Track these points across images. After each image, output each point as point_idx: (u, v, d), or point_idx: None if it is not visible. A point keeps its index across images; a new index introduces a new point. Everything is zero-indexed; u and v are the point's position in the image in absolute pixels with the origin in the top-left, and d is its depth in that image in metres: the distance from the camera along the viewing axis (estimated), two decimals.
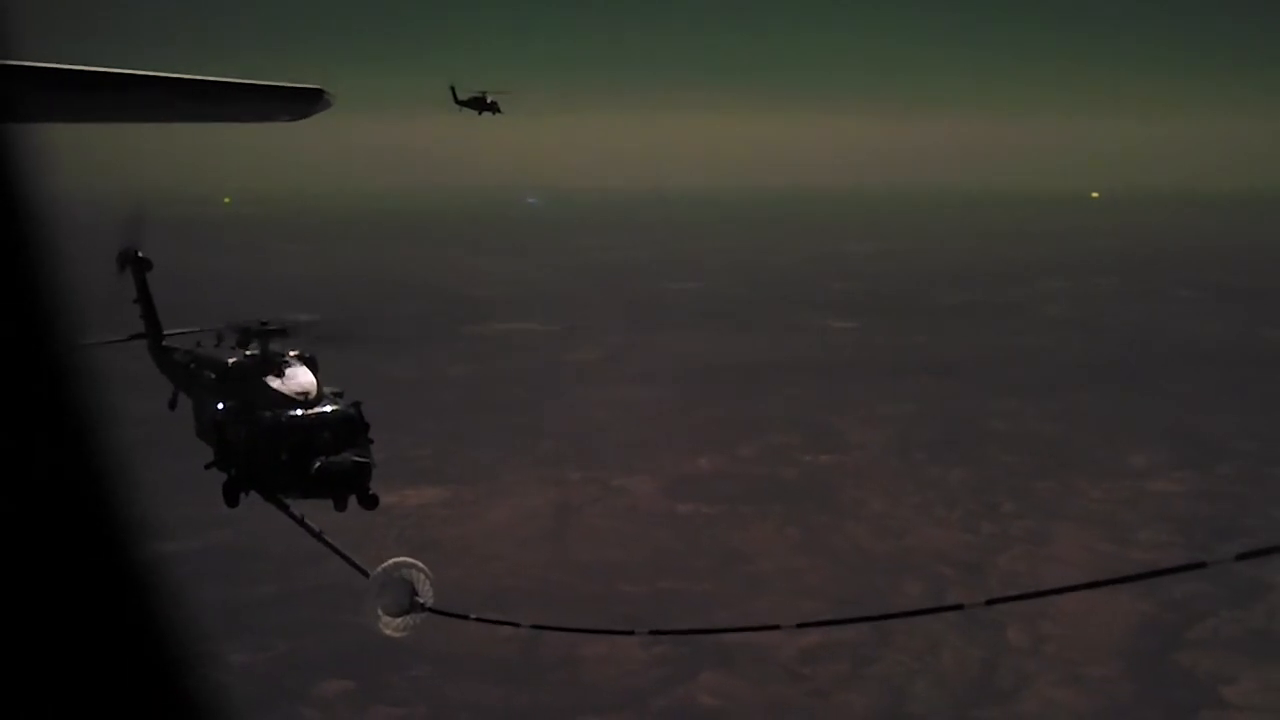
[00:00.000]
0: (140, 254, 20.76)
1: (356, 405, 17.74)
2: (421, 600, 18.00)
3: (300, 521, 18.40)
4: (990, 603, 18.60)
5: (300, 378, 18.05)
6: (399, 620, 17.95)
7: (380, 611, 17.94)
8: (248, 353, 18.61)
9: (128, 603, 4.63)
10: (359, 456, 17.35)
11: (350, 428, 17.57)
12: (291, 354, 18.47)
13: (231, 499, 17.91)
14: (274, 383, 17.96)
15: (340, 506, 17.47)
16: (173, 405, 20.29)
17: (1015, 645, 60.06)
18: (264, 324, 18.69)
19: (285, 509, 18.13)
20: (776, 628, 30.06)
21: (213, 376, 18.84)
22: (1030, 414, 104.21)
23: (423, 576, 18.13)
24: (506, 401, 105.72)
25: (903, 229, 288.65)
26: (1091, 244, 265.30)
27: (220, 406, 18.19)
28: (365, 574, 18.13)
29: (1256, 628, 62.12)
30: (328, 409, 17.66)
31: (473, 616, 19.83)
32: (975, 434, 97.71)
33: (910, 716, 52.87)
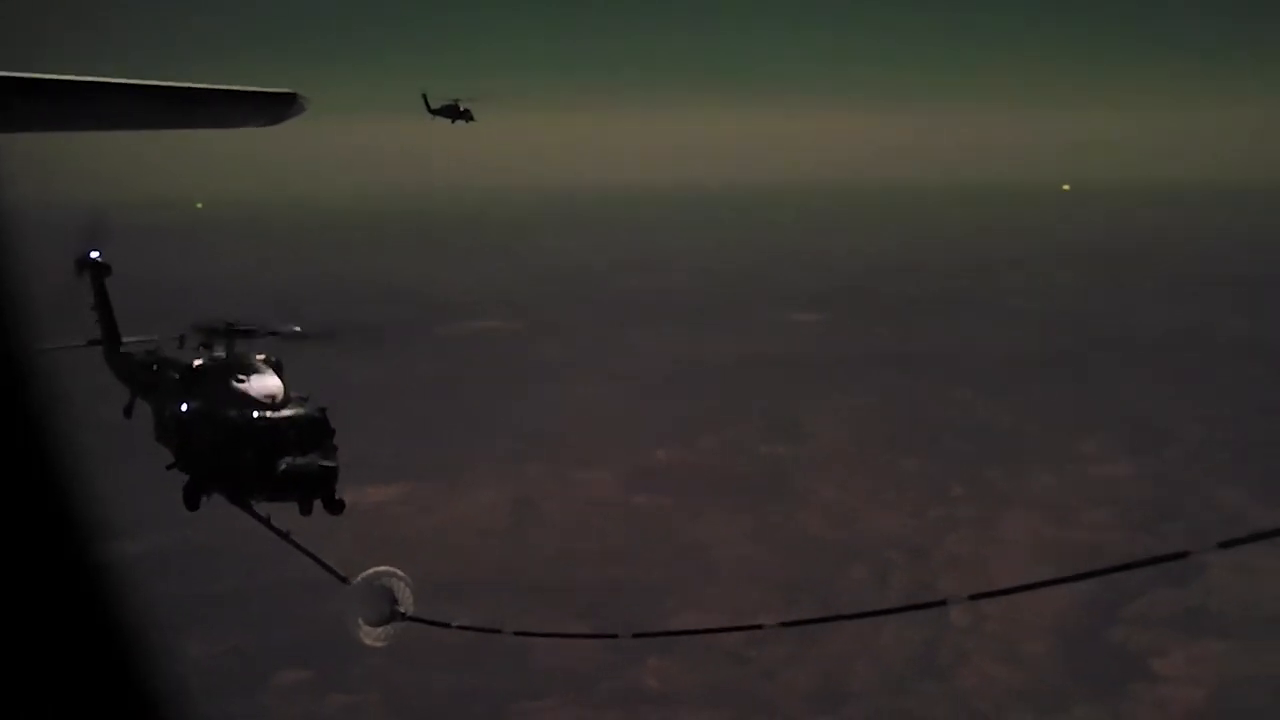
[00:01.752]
0: (99, 259, 20.53)
1: (322, 409, 17.62)
2: (402, 609, 17.96)
3: (266, 523, 18.19)
4: (974, 598, 18.94)
5: (266, 380, 17.85)
6: (380, 629, 17.98)
7: (361, 621, 17.92)
8: (214, 355, 18.47)
9: (87, 599, 4.83)
10: (325, 460, 17.30)
11: (316, 431, 17.48)
12: (258, 357, 18.28)
13: (192, 501, 17.84)
14: (240, 385, 17.75)
15: (305, 510, 17.44)
16: (128, 412, 20.07)
17: (956, 624, 61.83)
18: (230, 325, 18.48)
19: (251, 511, 18.00)
20: (760, 627, 29.52)
21: (176, 377, 18.64)
22: (984, 404, 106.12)
23: (403, 585, 18.09)
24: (470, 399, 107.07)
25: (871, 224, 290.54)
26: (1059, 237, 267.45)
27: (184, 408, 17.98)
28: (342, 578, 18.11)
29: (1191, 605, 64.09)
30: (294, 412, 17.53)
31: (455, 624, 19.88)
32: (930, 424, 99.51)
33: (850, 694, 54.66)
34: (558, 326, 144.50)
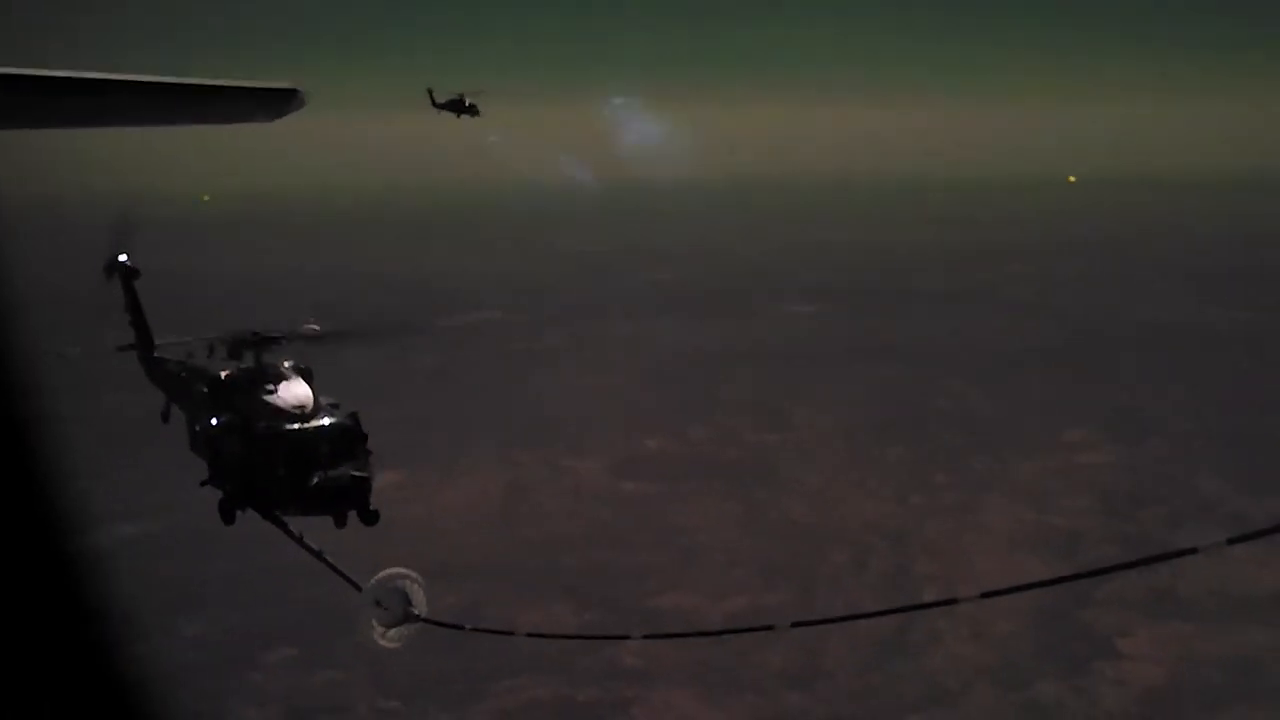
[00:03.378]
0: (128, 262, 20.12)
1: (354, 416, 17.22)
2: (416, 611, 17.83)
3: (299, 541, 17.97)
4: (985, 596, 17.58)
5: (296, 390, 17.46)
6: (393, 631, 17.83)
7: (375, 622, 17.79)
8: (241, 365, 18.09)
9: (81, 582, 5.05)
10: (358, 471, 16.83)
11: (348, 440, 17.00)
12: (286, 364, 17.91)
13: (228, 516, 17.44)
14: (269, 395, 17.36)
15: (340, 523, 17.04)
16: (165, 417, 19.75)
17: (931, 608, 63.48)
18: (256, 334, 18.08)
19: (284, 527, 17.71)
20: (771, 628, 28.75)
21: (205, 390, 18.26)
22: (974, 395, 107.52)
23: (416, 587, 17.95)
24: (467, 389, 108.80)
25: (875, 216, 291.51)
26: (1061, 228, 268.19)
27: (214, 421, 17.62)
28: (356, 586, 18.00)
29: (1160, 587, 65.50)
30: (325, 422, 17.05)
31: (468, 627, 19.88)
32: (918, 414, 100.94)
33: (820, 671, 56.26)
34: (556, 318, 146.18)
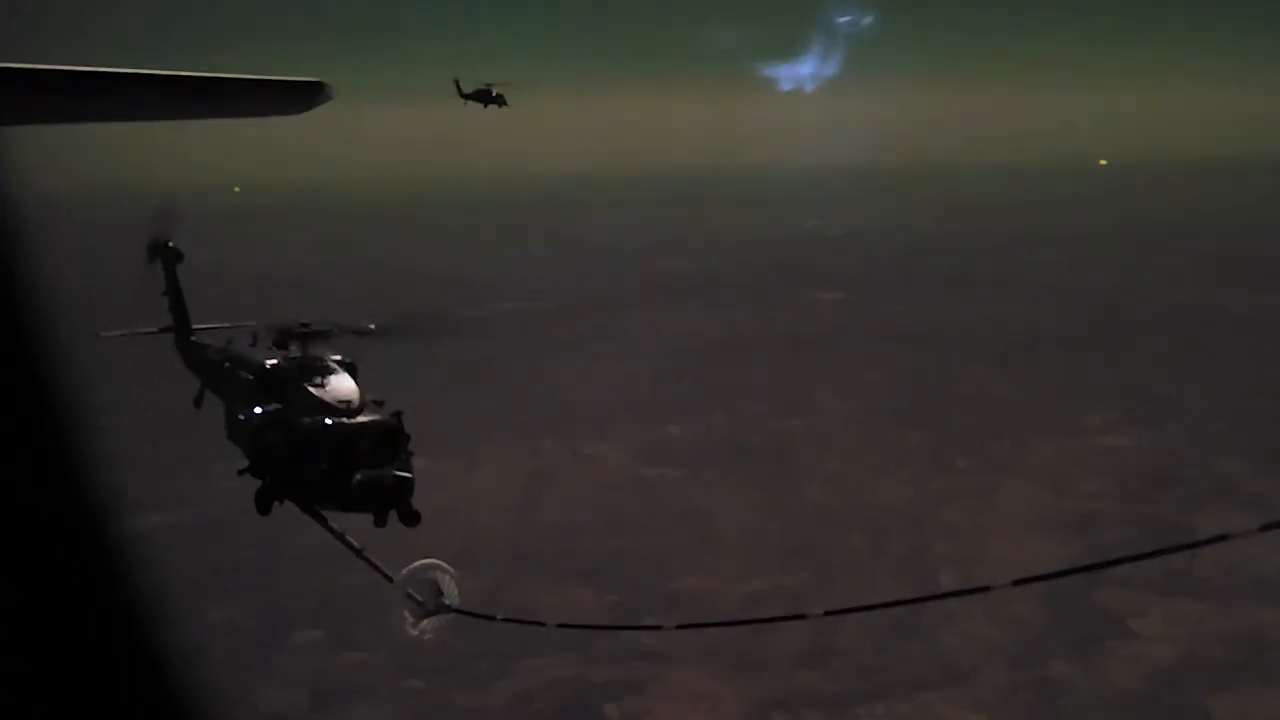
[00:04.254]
0: (171, 244, 20.03)
1: (398, 415, 17.10)
2: (448, 602, 17.84)
3: (338, 535, 17.88)
4: (1018, 583, 17.48)
5: (342, 385, 17.24)
6: (425, 621, 17.88)
7: (406, 613, 17.79)
8: (288, 355, 17.90)
9: (114, 570, 5.12)
10: (401, 471, 16.70)
11: (392, 440, 16.87)
12: (333, 359, 17.71)
13: (264, 507, 17.26)
14: (315, 389, 17.11)
15: (380, 522, 16.85)
16: (198, 403, 19.58)
17: (946, 588, 64.24)
18: (304, 325, 17.84)
19: (323, 521, 17.61)
20: (803, 617, 28.35)
21: (250, 379, 18.04)
22: (995, 379, 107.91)
23: (448, 578, 17.90)
24: (490, 377, 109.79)
25: (905, 204, 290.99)
26: (1089, 213, 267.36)
27: (258, 411, 17.35)
28: (388, 578, 18.05)
29: (1176, 569, 65.89)
30: (370, 419, 16.86)
31: (499, 617, 19.89)
32: (940, 399, 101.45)
33: (833, 650, 57.14)
34: (581, 308, 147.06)
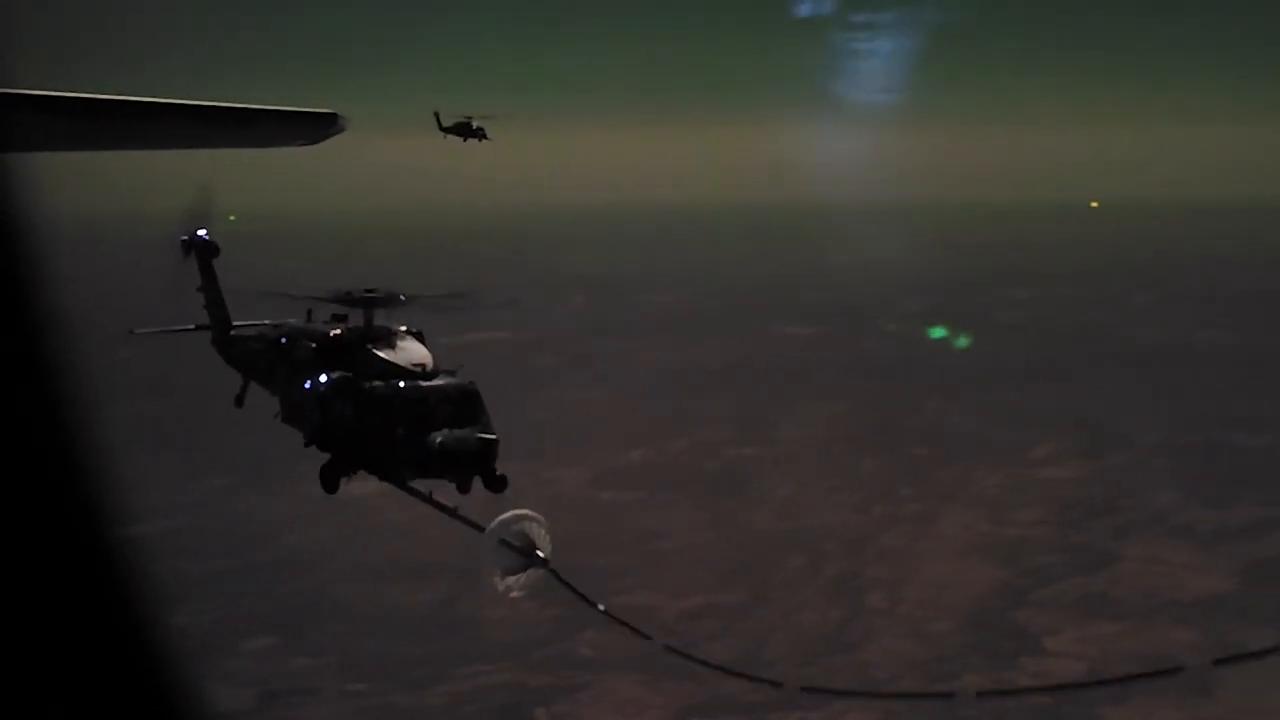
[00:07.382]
0: (206, 238, 19.59)
1: (472, 382, 16.49)
2: (542, 554, 16.75)
3: (428, 499, 16.78)
4: (1218, 663, 15.89)
5: (414, 348, 16.75)
6: (518, 578, 16.64)
7: (500, 571, 16.66)
8: (350, 326, 17.25)
9: (94, 578, 5.28)
10: (484, 433, 16.07)
11: (471, 403, 16.24)
12: (400, 328, 17.33)
13: (331, 483, 16.67)
14: (384, 353, 16.56)
15: (464, 489, 16.13)
16: (239, 402, 18.92)
17: (873, 607, 67.34)
18: (369, 291, 17.31)
19: (405, 487, 16.72)
20: (951, 695, 26.73)
21: (313, 347, 17.38)
22: (952, 411, 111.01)
23: (540, 529, 16.79)
24: None
25: (890, 242, 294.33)
26: (1074, 253, 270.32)
27: (323, 379, 16.64)
28: (479, 528, 17.26)
29: (1095, 591, 69.17)
30: (445, 382, 16.27)
31: (601, 608, 19.09)
32: (895, 429, 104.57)
33: (760, 661, 60.02)
34: (557, 337, 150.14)
